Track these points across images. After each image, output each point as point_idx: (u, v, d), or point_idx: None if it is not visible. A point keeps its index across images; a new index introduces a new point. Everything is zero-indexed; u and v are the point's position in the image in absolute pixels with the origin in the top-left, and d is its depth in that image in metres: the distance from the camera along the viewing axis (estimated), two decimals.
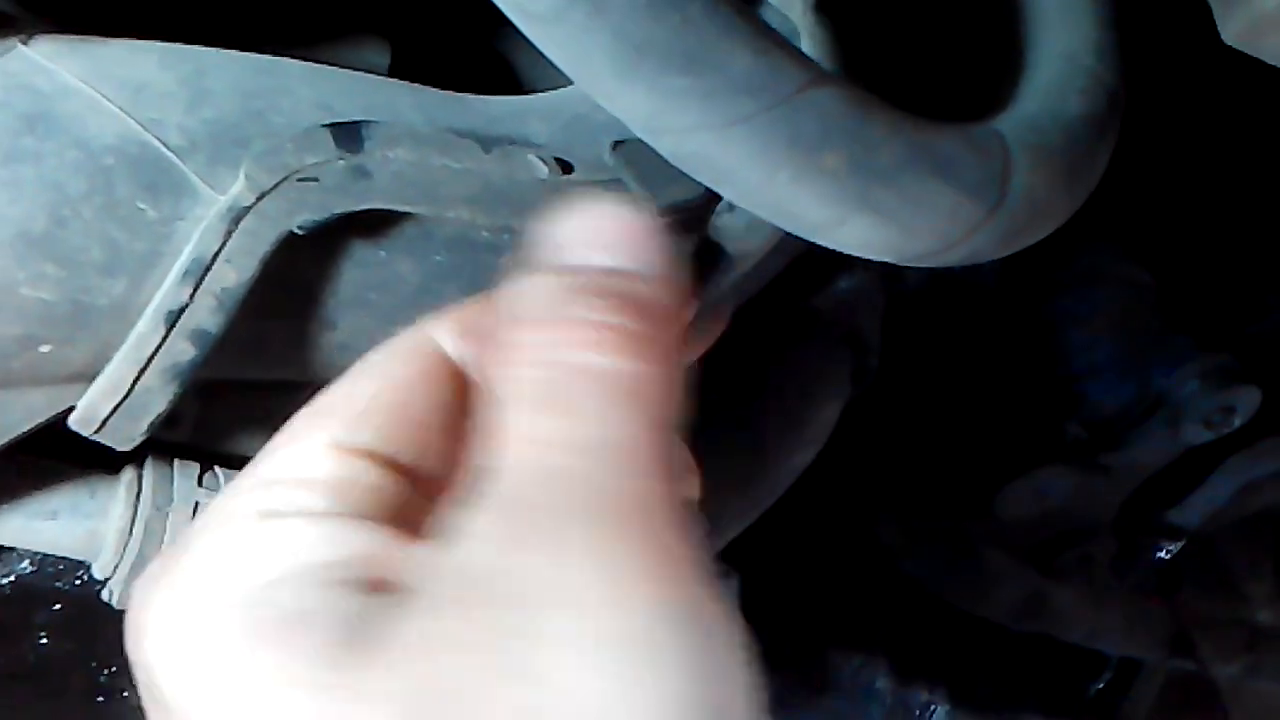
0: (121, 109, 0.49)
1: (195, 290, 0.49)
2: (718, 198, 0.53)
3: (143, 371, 0.50)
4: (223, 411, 0.71)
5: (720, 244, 0.53)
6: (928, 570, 1.08)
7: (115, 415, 0.51)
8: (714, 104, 0.41)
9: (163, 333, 0.49)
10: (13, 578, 0.70)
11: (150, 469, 0.66)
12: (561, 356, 0.33)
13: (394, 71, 0.73)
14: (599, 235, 0.36)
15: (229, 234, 0.49)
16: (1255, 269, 1.22)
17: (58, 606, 0.72)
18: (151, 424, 0.52)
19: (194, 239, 0.49)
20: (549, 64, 0.88)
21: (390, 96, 0.59)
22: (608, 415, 0.32)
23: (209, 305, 0.49)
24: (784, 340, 0.86)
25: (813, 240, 0.46)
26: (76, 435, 0.55)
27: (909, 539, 1.06)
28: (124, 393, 0.50)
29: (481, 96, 0.65)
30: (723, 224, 0.56)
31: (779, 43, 0.42)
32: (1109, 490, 1.06)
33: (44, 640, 0.71)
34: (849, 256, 0.94)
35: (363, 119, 0.54)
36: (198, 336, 0.50)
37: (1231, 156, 1.13)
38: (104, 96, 0.49)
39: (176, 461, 0.68)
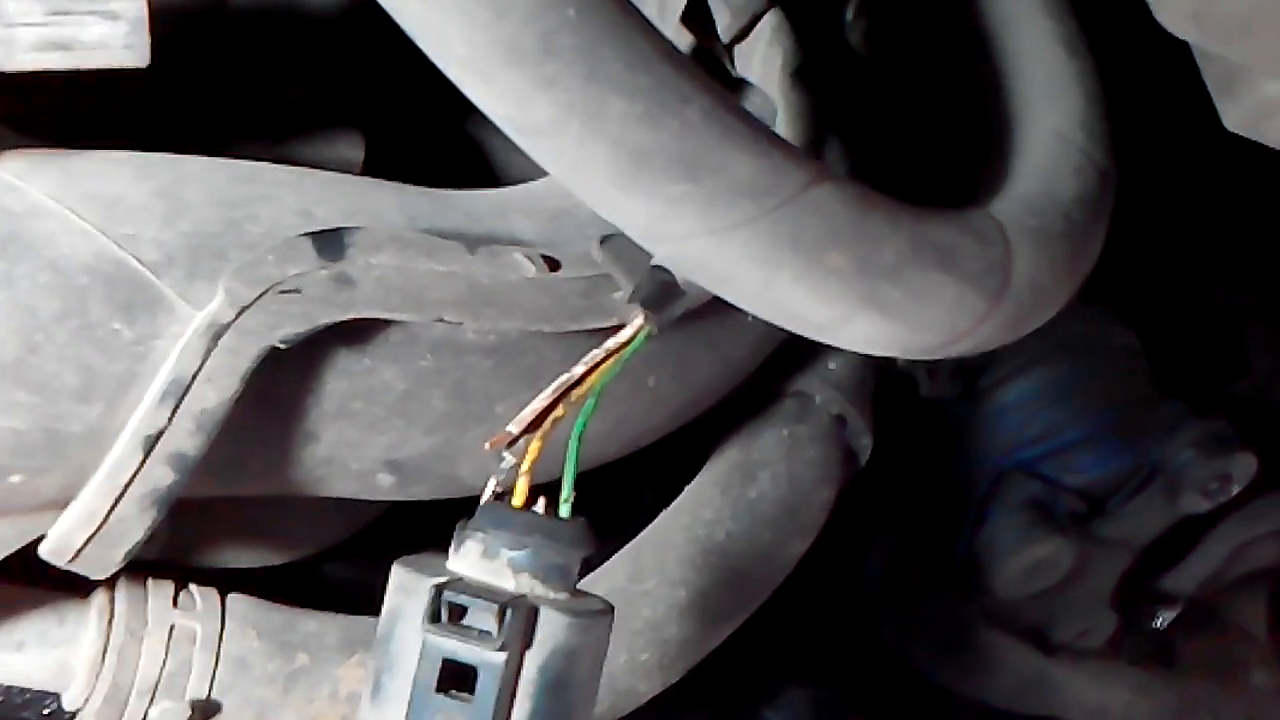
0: (95, 226, 0.48)
1: (174, 412, 0.47)
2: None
3: (119, 499, 0.48)
4: (199, 524, 0.69)
5: (669, 270, 0.53)
6: (927, 657, 1.06)
7: (90, 545, 0.49)
8: (714, 209, 0.40)
9: (140, 458, 0.47)
10: None
11: (123, 591, 0.64)
12: None
13: (369, 162, 0.72)
14: None
15: (208, 352, 0.48)
16: (1233, 326, 1.23)
17: None
18: (128, 552, 0.50)
19: (172, 358, 0.48)
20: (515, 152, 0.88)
21: (371, 198, 0.59)
22: None
23: (188, 427, 0.48)
24: (775, 427, 0.85)
25: (817, 338, 0.46)
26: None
27: (906, 627, 1.04)
28: (99, 522, 0.48)
29: (462, 192, 0.64)
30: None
31: (778, 142, 0.41)
32: (1106, 563, 1.05)
33: None
34: None
35: (344, 225, 0.53)
36: (177, 460, 0.48)
37: (1201, 213, 1.15)
38: (76, 214, 0.48)
39: (150, 581, 0.66)
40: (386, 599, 0.45)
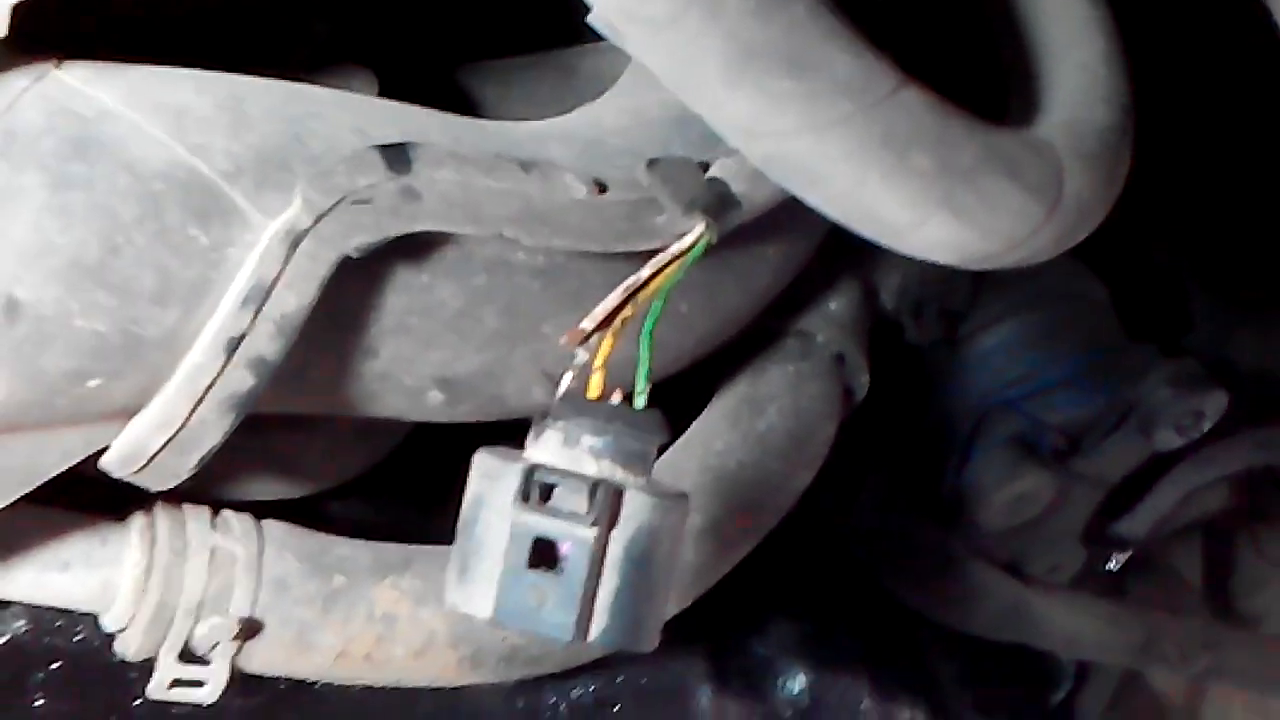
0: (166, 134, 0.48)
1: (255, 316, 0.48)
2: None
3: (199, 402, 0.48)
4: (220, 455, 0.70)
5: (726, 182, 0.55)
6: (909, 585, 1.09)
7: (165, 450, 0.50)
8: (816, 105, 0.42)
9: (222, 361, 0.48)
10: (8, 637, 0.67)
11: (161, 513, 0.64)
12: None
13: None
14: None
15: (288, 258, 0.48)
16: (1173, 284, 1.29)
17: (55, 665, 0.68)
18: (201, 459, 0.51)
19: (250, 264, 0.48)
20: (515, 100, 0.88)
21: (418, 120, 0.60)
22: None
23: (268, 331, 0.49)
24: (779, 364, 0.88)
25: (887, 244, 0.48)
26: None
27: (893, 561, 1.08)
28: (178, 426, 0.49)
29: (499, 122, 0.65)
30: (728, 167, 0.58)
31: (869, 44, 0.43)
32: (1080, 499, 1.10)
33: (40, 701, 0.68)
34: (836, 279, 0.97)
35: (408, 140, 0.53)
36: (256, 364, 0.49)
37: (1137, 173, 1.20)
38: (146, 121, 0.48)
39: (185, 505, 0.66)
40: (470, 485, 0.47)
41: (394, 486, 0.85)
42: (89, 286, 0.46)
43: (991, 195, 0.46)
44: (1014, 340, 1.08)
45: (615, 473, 0.47)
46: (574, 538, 0.45)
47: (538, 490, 0.45)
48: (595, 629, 0.46)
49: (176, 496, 0.66)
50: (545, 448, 0.47)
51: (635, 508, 0.46)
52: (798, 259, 0.79)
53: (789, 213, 0.65)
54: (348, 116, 0.55)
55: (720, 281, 0.71)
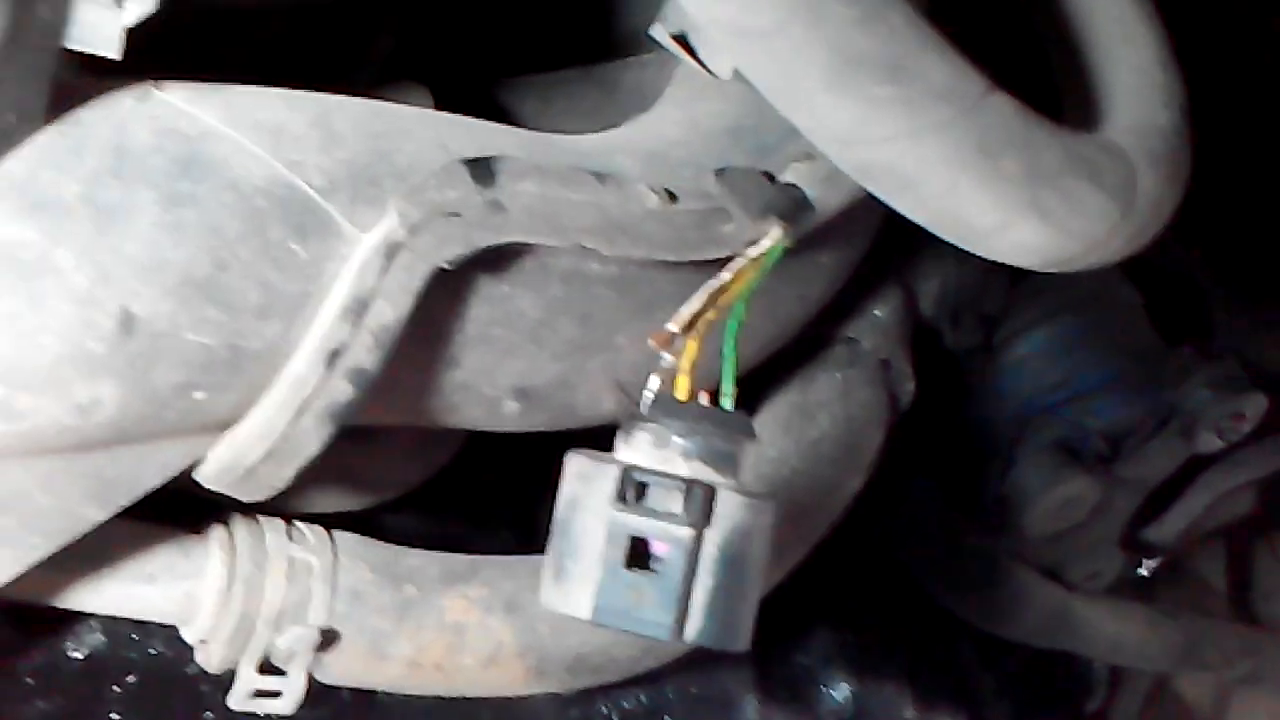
0: (265, 152, 0.50)
1: (355, 328, 0.49)
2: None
3: (300, 413, 0.50)
4: None
5: (800, 187, 0.57)
6: (953, 592, 1.10)
7: (264, 461, 0.51)
8: (913, 111, 0.43)
9: (322, 372, 0.49)
10: (87, 652, 0.68)
11: (240, 525, 0.65)
12: None
13: None
14: None
15: (384, 271, 0.50)
16: (1192, 288, 1.29)
17: (130, 679, 0.69)
18: (299, 469, 0.52)
19: (349, 277, 0.50)
20: (556, 114, 0.90)
21: (492, 135, 0.61)
22: None
23: (367, 343, 0.50)
24: (828, 371, 0.89)
25: (971, 247, 0.49)
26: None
27: (938, 569, 1.08)
28: (278, 436, 0.50)
29: (565, 136, 0.67)
30: (801, 172, 0.59)
31: (960, 50, 0.44)
32: (1122, 503, 1.11)
33: (116, 716, 0.69)
34: (879, 286, 0.98)
35: (490, 155, 0.55)
36: (356, 375, 0.50)
37: None
38: (246, 139, 0.50)
39: (260, 517, 0.67)
40: (563, 487, 0.48)
41: (442, 500, 0.86)
42: (199, 301, 0.47)
43: (1074, 198, 0.47)
44: (1051, 345, 1.09)
45: (706, 473, 0.48)
46: (671, 537, 0.46)
47: (633, 491, 0.46)
48: (691, 628, 0.47)
49: (249, 508, 0.67)
50: (637, 449, 0.49)
51: (728, 508, 0.47)
52: (849, 267, 0.81)
53: (843, 221, 0.67)
54: (429, 132, 0.57)
55: (778, 289, 0.72)
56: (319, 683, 0.67)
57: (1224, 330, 1.28)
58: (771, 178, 0.62)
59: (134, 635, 0.69)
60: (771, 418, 0.86)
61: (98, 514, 0.52)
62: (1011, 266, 0.57)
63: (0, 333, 0.44)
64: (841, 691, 1.09)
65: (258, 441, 0.51)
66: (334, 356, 0.49)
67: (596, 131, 0.69)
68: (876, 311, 0.93)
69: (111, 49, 0.44)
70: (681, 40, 0.65)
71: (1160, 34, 0.64)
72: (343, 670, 0.67)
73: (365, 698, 0.78)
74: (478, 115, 0.76)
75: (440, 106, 0.75)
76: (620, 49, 0.84)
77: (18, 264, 0.44)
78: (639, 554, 0.46)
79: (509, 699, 0.78)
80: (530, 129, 0.82)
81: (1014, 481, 1.05)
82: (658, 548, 0.47)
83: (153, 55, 0.53)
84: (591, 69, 0.86)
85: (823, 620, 1.10)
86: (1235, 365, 1.05)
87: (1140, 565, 1.25)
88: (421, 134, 0.57)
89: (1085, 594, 1.14)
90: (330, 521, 0.72)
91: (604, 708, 0.92)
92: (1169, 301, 1.23)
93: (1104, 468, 1.05)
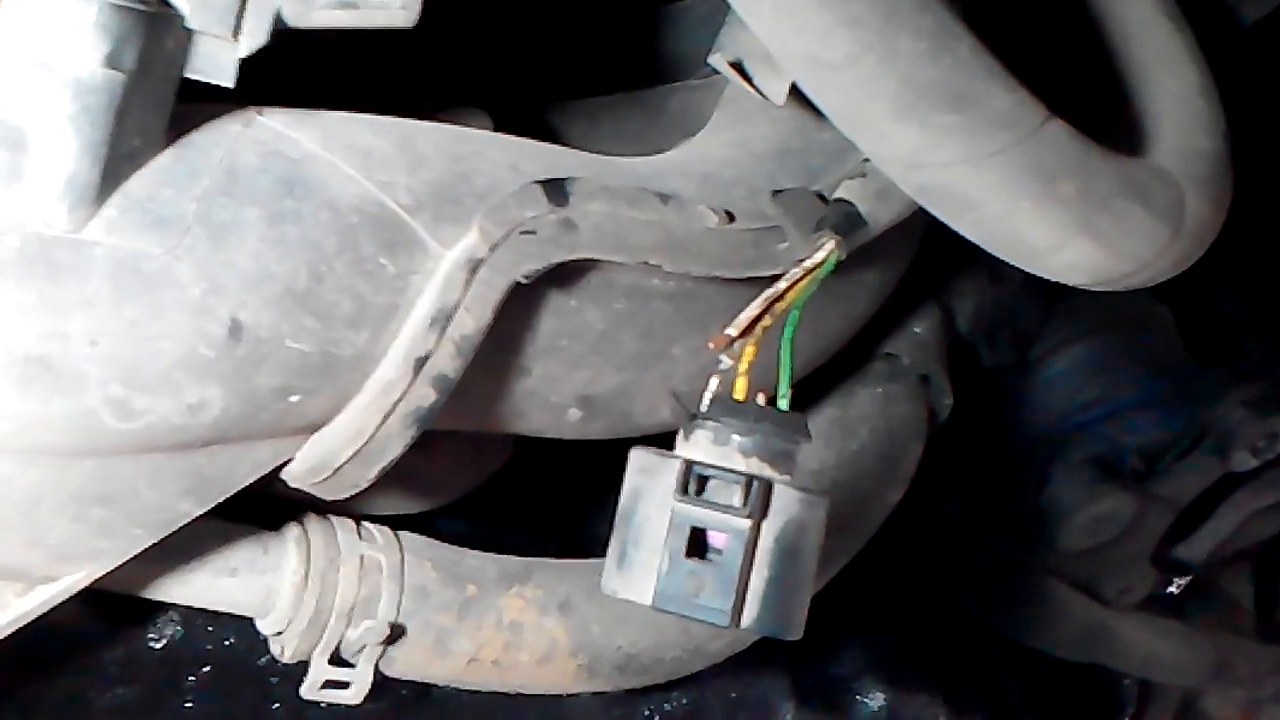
0: (358, 173, 0.54)
1: (440, 337, 0.53)
2: None
3: (387, 417, 0.53)
4: None
5: (853, 203, 0.60)
6: (990, 606, 1.12)
7: (351, 461, 0.55)
8: (976, 138, 0.47)
9: (410, 378, 0.53)
10: (164, 641, 0.72)
11: (314, 524, 0.69)
12: None
13: None
14: None
15: (468, 284, 0.54)
16: (1222, 313, 1.31)
17: (206, 669, 0.73)
18: (382, 470, 0.56)
19: (435, 289, 0.54)
20: (603, 137, 0.93)
21: (558, 157, 0.65)
22: None
23: (450, 351, 0.54)
24: (868, 386, 0.92)
25: (1026, 266, 0.52)
26: None
27: (977, 584, 1.11)
28: (366, 438, 0.54)
29: (623, 158, 0.71)
30: (854, 189, 0.62)
31: (1020, 80, 0.48)
32: (1156, 520, 1.13)
33: (190, 703, 0.73)
34: (917, 303, 1.01)
35: (563, 176, 0.59)
36: (439, 381, 0.54)
37: None
38: (341, 161, 0.53)
39: (332, 517, 0.71)
40: (627, 480, 0.51)
41: (493, 505, 0.90)
42: (299, 311, 0.51)
43: (1126, 220, 0.50)
44: (1085, 363, 1.12)
45: (764, 469, 0.51)
46: (730, 528, 0.49)
47: (695, 483, 0.49)
48: (748, 616, 0.49)
49: (321, 508, 0.71)
50: (697, 446, 0.51)
51: (784, 502, 0.50)
52: (891, 286, 0.84)
53: (888, 242, 0.70)
54: (503, 154, 0.61)
55: (824, 307, 0.76)
56: (381, 675, 0.71)
57: (1254, 353, 1.30)
58: (823, 198, 0.65)
59: (209, 627, 0.73)
60: (813, 431, 0.88)
61: (194, 509, 0.56)
62: (1046, 285, 0.60)
63: (123, 338, 0.48)
64: (876, 700, 1.12)
65: (347, 443, 0.54)
66: (420, 364, 0.53)
67: (643, 151, 0.73)
68: (916, 329, 0.96)
69: (227, 79, 0.48)
70: (738, 67, 0.69)
71: (1202, 64, 0.67)
72: (407, 664, 0.71)
73: (421, 692, 0.82)
74: (530, 135, 0.80)
75: (497, 129, 0.80)
76: (665, 74, 0.88)
77: (141, 275, 0.48)
78: (698, 544, 0.49)
79: (555, 698, 0.81)
80: (580, 149, 0.87)
81: (1050, 497, 1.07)
82: (716, 539, 0.49)
83: (246, 81, 0.58)
84: (638, 94, 0.89)
85: (858, 630, 1.13)
86: (1269, 386, 1.07)
87: (1171, 583, 1.27)
88: (496, 156, 0.60)
89: (1119, 610, 1.16)
90: (390, 523, 0.76)
91: (646, 709, 0.96)
92: (1199, 324, 1.26)
93: (1138, 484, 1.08)
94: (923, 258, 0.87)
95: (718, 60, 0.70)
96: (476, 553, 0.75)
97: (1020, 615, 1.11)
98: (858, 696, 1.12)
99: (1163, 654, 1.17)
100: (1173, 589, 1.28)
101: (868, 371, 0.93)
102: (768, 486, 0.50)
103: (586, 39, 0.86)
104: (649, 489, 0.50)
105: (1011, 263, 0.52)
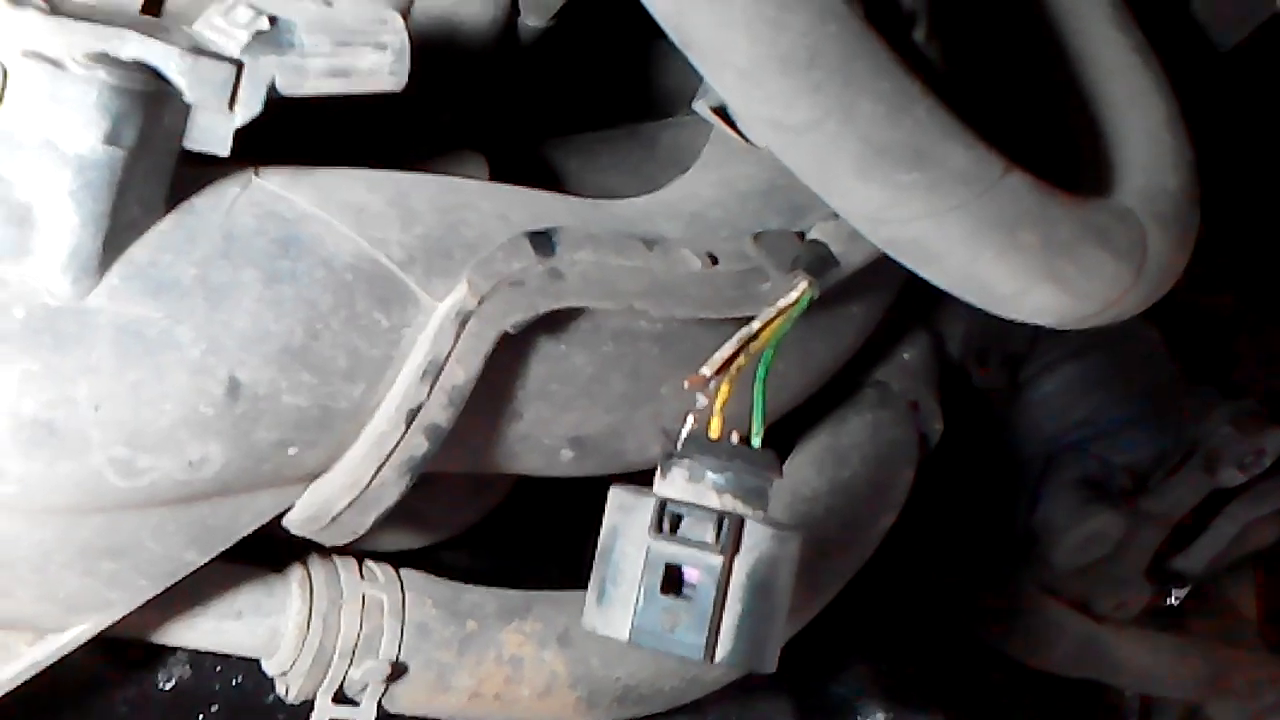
0: (352, 230, 0.55)
1: (431, 388, 0.55)
2: None
3: (382, 466, 0.55)
4: None
5: (826, 244, 0.61)
6: (986, 625, 1.14)
7: (349, 510, 0.56)
8: (936, 195, 0.48)
9: (403, 429, 0.55)
10: (174, 681, 0.74)
11: (317, 564, 0.71)
12: None
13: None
14: None
15: (458, 336, 0.55)
16: (1217, 324, 1.32)
17: (214, 708, 0.75)
18: (379, 517, 0.57)
19: (426, 342, 0.55)
20: (600, 170, 0.94)
21: (547, 204, 0.67)
22: None
23: (441, 402, 0.55)
24: (859, 413, 0.93)
25: (993, 310, 0.54)
26: None
27: (973, 604, 1.12)
28: (362, 487, 0.56)
29: (613, 201, 0.72)
30: (827, 230, 0.64)
31: (979, 135, 0.50)
32: (1148, 536, 1.15)
33: None
34: (907, 330, 1.02)
35: (550, 226, 0.60)
36: (431, 431, 0.56)
37: None
38: (335, 220, 0.55)
39: (335, 557, 0.73)
40: (606, 518, 0.52)
41: (494, 538, 0.91)
42: (296, 367, 0.53)
43: (1088, 264, 0.52)
44: (1075, 383, 1.13)
45: (736, 506, 0.52)
46: (703, 564, 0.50)
47: (669, 521, 0.50)
48: (722, 650, 0.50)
49: (324, 548, 0.72)
50: (672, 483, 0.53)
51: (756, 538, 0.51)
52: (877, 317, 0.85)
53: (872, 274, 0.72)
54: (491, 205, 0.63)
55: (810, 340, 0.77)
56: (385, 712, 0.73)
57: (1246, 364, 1.32)
58: (803, 236, 0.67)
59: (218, 667, 0.75)
60: (806, 459, 0.90)
61: (199, 558, 0.58)
62: None
63: (126, 401, 0.50)
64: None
65: (344, 492, 0.56)
66: (412, 415, 0.55)
67: (637, 185, 0.75)
68: (905, 355, 0.98)
69: (223, 149, 0.50)
70: (721, 112, 0.71)
71: (1169, 96, 0.69)
72: (410, 700, 0.72)
73: None
74: (527, 171, 0.81)
75: (493, 167, 0.82)
76: (660, 109, 0.90)
77: (143, 340, 0.50)
78: (674, 581, 0.50)
79: None
80: (576, 184, 0.89)
81: (1041, 517, 1.09)
82: (691, 575, 0.50)
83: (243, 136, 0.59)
84: (632, 128, 0.91)
85: (859, 652, 1.14)
86: (1255, 403, 1.08)
87: (1170, 595, 1.28)
88: (485, 206, 0.62)
89: (1114, 625, 1.17)
90: (393, 558, 0.78)
91: None
92: (1191, 337, 1.27)
93: (1128, 503, 1.09)
94: (911, 285, 0.88)
95: (701, 106, 0.72)
96: (476, 588, 0.77)
97: (1017, 634, 1.12)
98: (859, 716, 1.13)
99: (1158, 668, 1.18)
100: (1172, 601, 1.29)
101: (859, 399, 0.94)
102: (740, 523, 0.51)
103: (582, 75, 0.88)
104: (626, 526, 0.52)
105: (980, 307, 0.54)
